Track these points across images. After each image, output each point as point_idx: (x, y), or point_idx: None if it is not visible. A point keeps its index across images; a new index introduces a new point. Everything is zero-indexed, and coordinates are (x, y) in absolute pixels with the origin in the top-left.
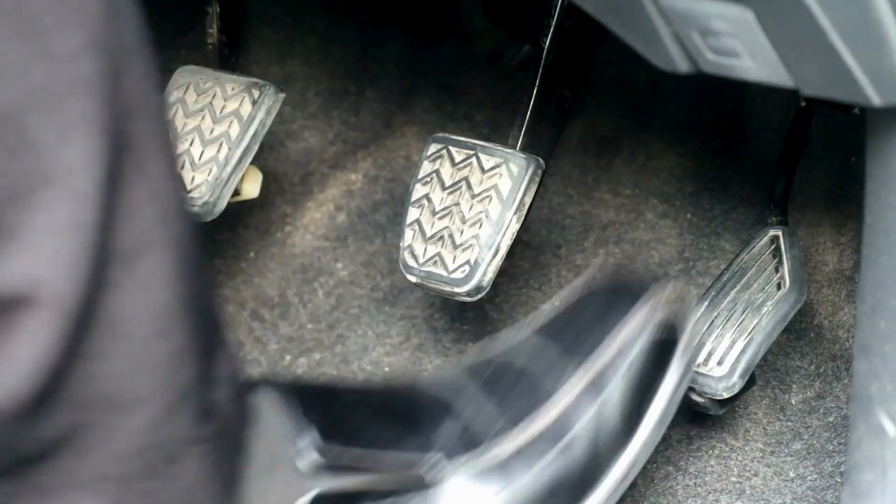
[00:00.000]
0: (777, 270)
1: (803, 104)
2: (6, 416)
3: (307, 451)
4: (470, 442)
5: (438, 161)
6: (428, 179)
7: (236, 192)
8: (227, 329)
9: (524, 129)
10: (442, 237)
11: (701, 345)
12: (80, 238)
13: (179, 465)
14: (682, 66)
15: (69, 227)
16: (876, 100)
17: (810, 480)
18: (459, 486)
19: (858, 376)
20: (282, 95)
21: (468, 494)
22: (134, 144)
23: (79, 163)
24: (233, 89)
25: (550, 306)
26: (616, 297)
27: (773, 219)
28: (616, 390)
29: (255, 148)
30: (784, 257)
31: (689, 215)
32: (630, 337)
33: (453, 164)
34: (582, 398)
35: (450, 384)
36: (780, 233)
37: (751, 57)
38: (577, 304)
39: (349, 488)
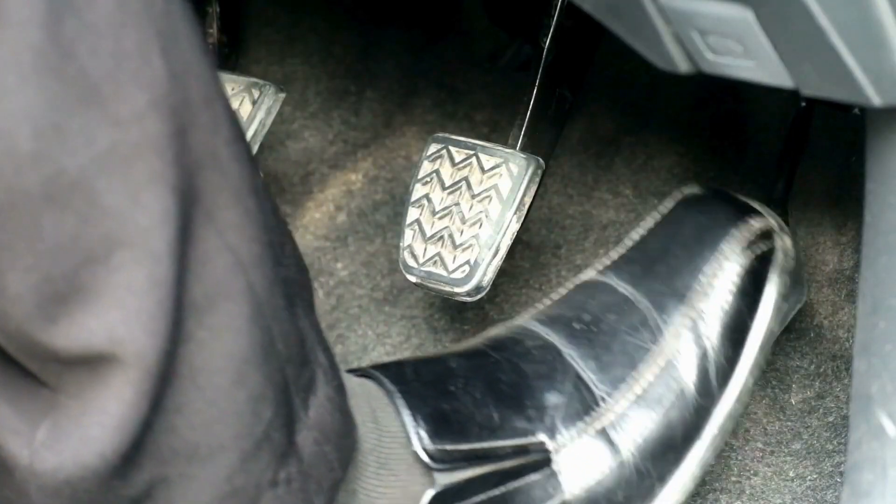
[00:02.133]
0: None
1: (803, 104)
2: (94, 474)
3: (419, 452)
4: (576, 414)
5: (438, 161)
6: (428, 179)
7: None
8: (324, 368)
9: (524, 129)
10: (442, 237)
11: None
12: (157, 295)
13: None
14: (682, 66)
15: (146, 285)
16: (876, 100)
17: (810, 480)
18: (574, 458)
19: (858, 376)
20: (282, 95)
21: (584, 464)
22: (203, 198)
23: (151, 222)
24: (233, 89)
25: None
26: (704, 231)
27: None
28: (716, 327)
29: (255, 148)
30: None
31: None
32: (726, 271)
33: (453, 163)
34: (685, 343)
35: (544, 344)
36: None
37: (751, 57)
38: (659, 239)
39: (468, 479)
